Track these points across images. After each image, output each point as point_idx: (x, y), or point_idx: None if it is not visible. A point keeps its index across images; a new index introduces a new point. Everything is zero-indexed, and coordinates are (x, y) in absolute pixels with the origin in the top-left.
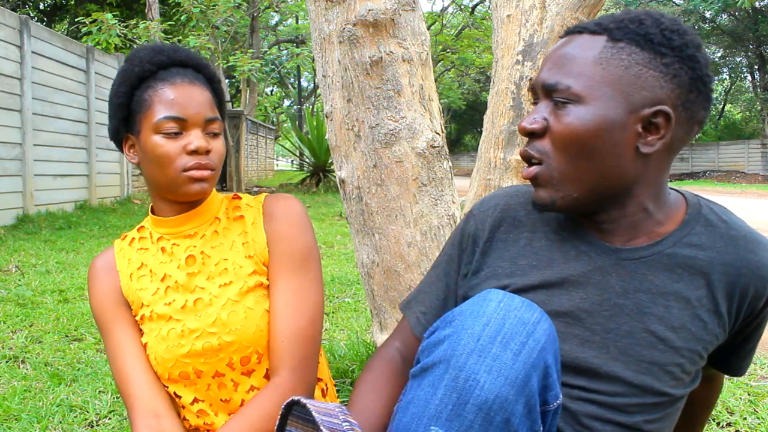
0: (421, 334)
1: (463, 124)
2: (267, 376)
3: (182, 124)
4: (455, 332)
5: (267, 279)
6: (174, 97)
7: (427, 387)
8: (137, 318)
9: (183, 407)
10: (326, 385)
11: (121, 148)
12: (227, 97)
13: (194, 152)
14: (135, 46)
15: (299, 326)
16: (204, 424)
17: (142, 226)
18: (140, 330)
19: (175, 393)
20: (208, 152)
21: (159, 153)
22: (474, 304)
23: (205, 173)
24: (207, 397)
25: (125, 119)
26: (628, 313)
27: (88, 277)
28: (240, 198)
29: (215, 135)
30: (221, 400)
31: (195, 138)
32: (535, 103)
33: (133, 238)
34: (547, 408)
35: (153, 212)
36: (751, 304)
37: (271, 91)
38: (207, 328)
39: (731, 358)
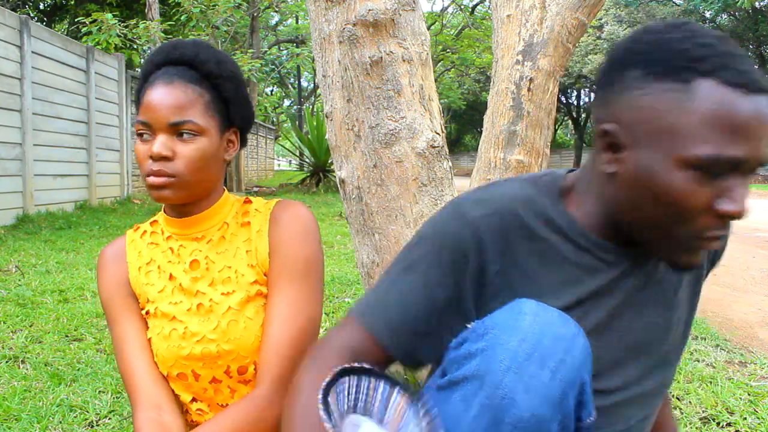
0: (388, 343)
1: (463, 124)
2: None
3: (149, 128)
4: (489, 347)
5: (267, 288)
6: (148, 101)
7: (457, 402)
8: (143, 312)
9: (183, 404)
10: None
11: None
12: None
13: (152, 157)
14: (135, 46)
15: (288, 340)
16: (204, 421)
17: (155, 221)
18: (146, 323)
19: (173, 392)
20: (167, 158)
21: (137, 154)
22: (507, 317)
23: (160, 180)
24: (205, 399)
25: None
26: (649, 314)
27: (97, 266)
28: (251, 202)
29: (188, 138)
30: (218, 404)
31: (157, 143)
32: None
33: (145, 231)
34: (581, 425)
35: (165, 210)
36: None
37: (271, 91)
38: (207, 333)
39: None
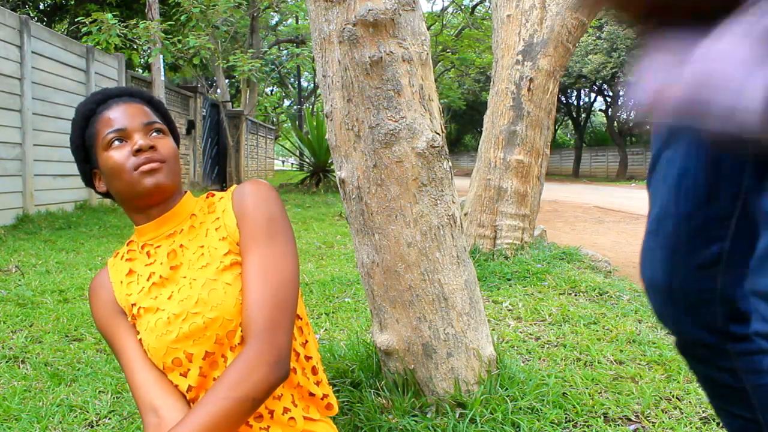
0: None
1: (463, 124)
2: None
3: (124, 133)
4: None
5: (240, 257)
6: (113, 117)
7: None
8: (129, 319)
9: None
10: (305, 323)
11: (93, 187)
12: (227, 97)
13: (139, 151)
14: (135, 46)
15: (266, 294)
16: None
17: (131, 241)
18: (138, 331)
19: (176, 387)
20: (152, 148)
21: (112, 164)
22: None
23: (155, 165)
24: (201, 383)
25: (86, 159)
26: None
27: (89, 299)
28: (213, 195)
29: (160, 135)
30: (214, 380)
31: (138, 139)
32: None
33: (123, 253)
34: None
35: (137, 222)
36: None
37: (271, 91)
38: (190, 309)
39: None
